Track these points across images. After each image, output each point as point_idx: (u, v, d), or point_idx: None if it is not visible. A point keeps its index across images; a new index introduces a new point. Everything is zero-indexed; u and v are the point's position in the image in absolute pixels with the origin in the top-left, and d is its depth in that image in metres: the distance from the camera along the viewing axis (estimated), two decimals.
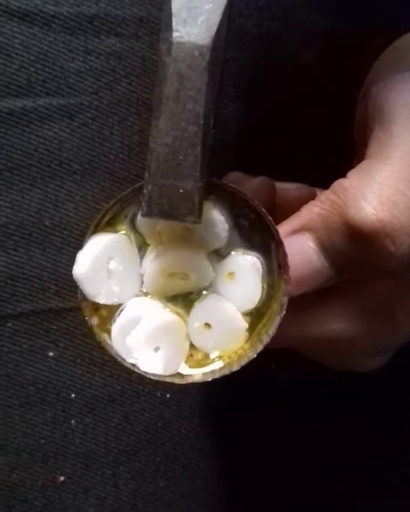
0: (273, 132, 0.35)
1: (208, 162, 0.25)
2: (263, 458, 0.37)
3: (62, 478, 0.35)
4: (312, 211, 0.27)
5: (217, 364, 0.28)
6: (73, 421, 0.35)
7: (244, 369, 0.26)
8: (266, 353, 0.26)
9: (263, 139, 0.35)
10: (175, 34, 0.23)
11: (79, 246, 0.34)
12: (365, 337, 0.30)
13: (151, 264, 0.27)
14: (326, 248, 0.27)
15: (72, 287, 0.34)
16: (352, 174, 0.27)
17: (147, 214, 0.25)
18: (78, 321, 0.34)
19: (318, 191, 0.31)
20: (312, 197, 0.28)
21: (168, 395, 0.36)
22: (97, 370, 0.35)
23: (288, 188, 0.32)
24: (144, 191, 0.25)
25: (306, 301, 0.28)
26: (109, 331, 0.27)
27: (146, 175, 0.24)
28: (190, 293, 0.28)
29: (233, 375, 0.26)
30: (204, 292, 0.28)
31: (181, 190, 0.24)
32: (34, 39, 0.32)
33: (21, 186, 0.33)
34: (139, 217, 0.27)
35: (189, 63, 0.24)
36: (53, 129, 0.33)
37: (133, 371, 0.27)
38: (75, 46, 0.32)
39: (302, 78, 0.35)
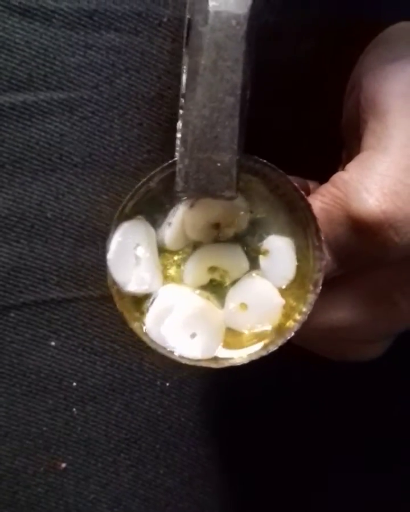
0: (268, 126, 0.35)
1: (245, 135, 0.25)
2: (262, 445, 0.38)
3: (64, 465, 0.36)
4: (313, 205, 0.27)
5: (255, 346, 0.27)
6: (74, 409, 0.35)
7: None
8: None
9: (259, 132, 0.35)
10: (211, 3, 0.23)
11: (80, 237, 0.34)
12: (366, 324, 0.30)
13: (192, 256, 0.27)
14: (328, 242, 0.27)
15: (73, 277, 0.35)
16: (351, 166, 0.27)
17: (184, 190, 0.24)
18: (79, 311, 0.35)
19: (311, 183, 0.31)
20: (305, 189, 0.28)
21: (167, 384, 0.36)
22: (98, 359, 0.35)
23: None
24: (180, 166, 0.24)
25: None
26: (137, 319, 0.27)
27: (181, 149, 0.24)
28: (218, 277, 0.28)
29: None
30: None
31: (219, 164, 0.24)
32: (35, 34, 0.32)
33: (23, 179, 0.33)
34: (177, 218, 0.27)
35: (226, 32, 0.23)
36: (54, 123, 0.33)
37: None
38: (75, 41, 0.33)
39: (299, 72, 0.36)
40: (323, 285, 0.27)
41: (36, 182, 0.34)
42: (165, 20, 0.33)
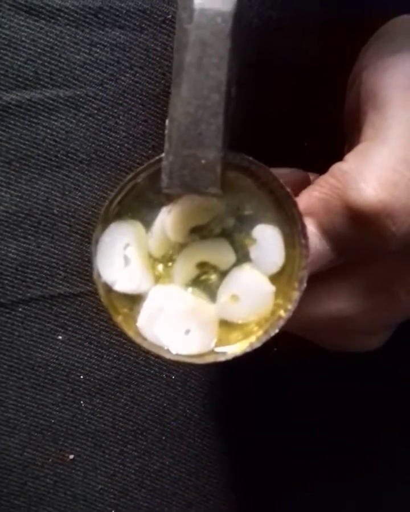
0: (272, 121, 0.36)
1: (230, 132, 0.25)
2: (265, 436, 0.38)
3: (71, 456, 0.36)
4: (312, 195, 0.27)
5: (239, 344, 0.27)
6: (82, 402, 0.36)
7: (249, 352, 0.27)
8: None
9: (263, 127, 0.36)
10: (196, 0, 0.23)
11: (86, 233, 0.35)
12: (366, 314, 0.30)
13: (182, 253, 0.27)
14: (327, 232, 0.27)
15: (80, 272, 0.35)
16: (350, 157, 0.27)
17: (168, 187, 0.24)
18: (86, 306, 0.35)
19: (311, 176, 0.31)
20: (306, 181, 0.28)
21: (173, 377, 0.37)
22: (105, 353, 0.36)
23: (281, 173, 0.33)
24: (165, 162, 0.24)
25: (307, 282, 0.28)
26: (125, 315, 0.27)
27: (166, 145, 0.24)
28: (205, 273, 0.28)
29: (240, 356, 0.27)
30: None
31: (203, 161, 0.24)
32: (40, 32, 0.33)
33: (30, 176, 0.34)
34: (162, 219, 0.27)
35: (212, 30, 0.23)
36: (60, 120, 0.34)
37: (143, 354, 0.27)
38: (80, 38, 0.33)
39: (302, 66, 0.36)
40: (321, 275, 0.27)
41: (42, 178, 0.34)
42: (169, 17, 0.34)
